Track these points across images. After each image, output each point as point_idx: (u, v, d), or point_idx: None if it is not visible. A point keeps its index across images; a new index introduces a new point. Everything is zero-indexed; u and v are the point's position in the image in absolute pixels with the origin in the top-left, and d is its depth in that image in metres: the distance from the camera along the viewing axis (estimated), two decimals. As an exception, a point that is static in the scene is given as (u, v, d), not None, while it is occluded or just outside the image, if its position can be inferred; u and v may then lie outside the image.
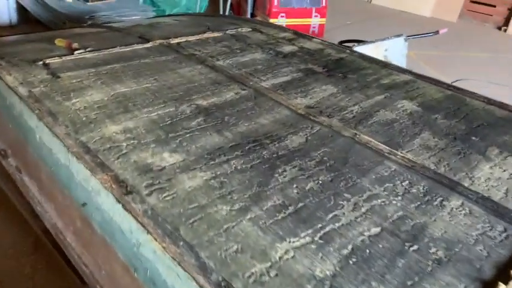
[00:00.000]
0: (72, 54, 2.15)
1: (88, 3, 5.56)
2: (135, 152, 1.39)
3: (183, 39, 2.49)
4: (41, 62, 2.00)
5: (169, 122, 1.60)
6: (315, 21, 5.62)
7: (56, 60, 2.06)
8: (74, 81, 1.86)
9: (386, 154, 1.48)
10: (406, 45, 4.63)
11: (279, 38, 2.70)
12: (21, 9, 5.95)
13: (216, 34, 2.64)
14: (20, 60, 2.04)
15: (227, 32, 2.70)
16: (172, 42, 2.44)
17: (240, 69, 2.15)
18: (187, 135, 1.51)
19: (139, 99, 1.75)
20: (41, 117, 1.55)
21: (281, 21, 5.45)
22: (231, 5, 6.32)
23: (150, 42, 2.39)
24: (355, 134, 1.59)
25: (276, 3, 5.38)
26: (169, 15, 4.09)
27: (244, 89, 1.92)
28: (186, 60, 2.20)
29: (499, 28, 8.24)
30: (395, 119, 1.75)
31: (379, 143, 1.54)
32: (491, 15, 8.35)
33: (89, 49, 2.22)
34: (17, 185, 1.85)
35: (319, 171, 1.36)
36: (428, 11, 8.70)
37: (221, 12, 6.02)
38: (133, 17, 5.24)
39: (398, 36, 4.60)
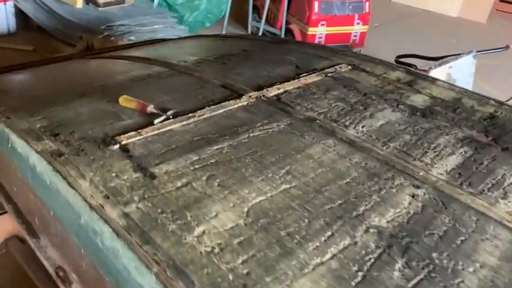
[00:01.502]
0: (152, 123, 1.53)
1: (100, 9, 4.84)
2: None
3: (280, 88, 1.88)
4: (116, 146, 1.38)
5: (361, 275, 1.01)
6: (356, 28, 5.03)
7: (134, 138, 1.44)
8: (179, 183, 1.25)
9: None
10: (475, 62, 4.06)
11: (394, 81, 2.10)
12: (20, 13, 5.19)
13: (314, 78, 2.03)
14: (83, 140, 1.41)
15: (326, 73, 2.08)
16: (269, 95, 1.82)
17: (385, 143, 1.56)
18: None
19: (289, 220, 1.15)
20: (162, 280, 0.94)
21: (321, 30, 4.85)
22: (256, 8, 5.67)
23: (244, 98, 1.77)
24: None
25: (316, 9, 4.76)
26: (205, 36, 3.44)
27: (419, 187, 1.33)
28: (307, 129, 1.59)
29: (531, 30, 7.74)
30: None
31: None
32: (524, 16, 7.87)
33: (170, 112, 1.60)
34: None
35: None
36: (456, 11, 8.15)
37: (250, 18, 5.37)
38: (155, 26, 4.56)
39: (469, 53, 4.02)
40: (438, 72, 3.75)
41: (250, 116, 1.66)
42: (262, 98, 1.79)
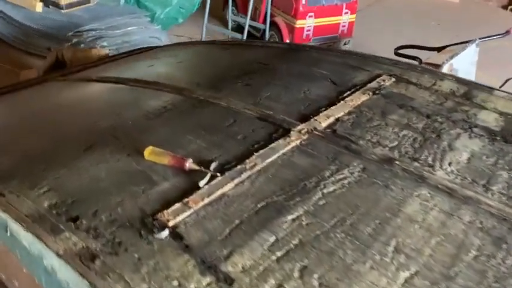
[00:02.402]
0: (196, 185, 1.17)
1: (62, 11, 4.30)
2: None
3: (329, 116, 1.55)
4: (165, 233, 1.01)
5: None
6: (344, 18, 4.73)
7: (183, 214, 1.08)
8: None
9: None
10: (477, 50, 3.85)
11: (449, 95, 1.81)
12: (-32, 20, 4.57)
13: (361, 98, 1.71)
14: (115, 226, 1.04)
15: (372, 90, 1.76)
16: (321, 127, 1.49)
17: (486, 187, 1.27)
18: None
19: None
20: None
21: (309, 22, 4.52)
22: (234, 2, 5.25)
23: (293, 134, 1.43)
24: None
25: (304, 1, 4.41)
26: (198, 43, 3.04)
27: None
28: (388, 175, 1.27)
29: (505, 8, 7.74)
30: None
31: None
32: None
33: (213, 166, 1.24)
34: None
35: None
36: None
37: (229, 12, 4.95)
38: (128, 28, 4.09)
39: (472, 42, 3.81)
40: (447, 65, 3.51)
41: (313, 162, 1.32)
42: (315, 132, 1.46)
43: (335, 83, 1.86)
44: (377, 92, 1.77)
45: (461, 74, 3.45)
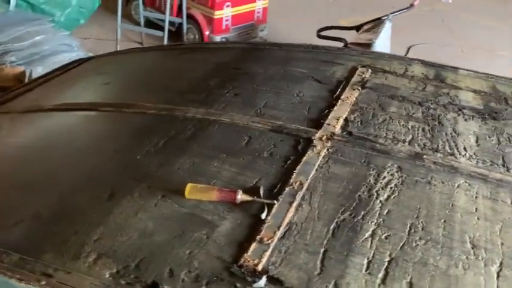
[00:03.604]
0: (257, 218, 1.11)
1: None
2: None
3: (338, 118, 1.56)
4: (261, 282, 0.95)
5: None
6: (259, 5, 4.74)
7: (266, 254, 1.02)
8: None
9: None
10: (391, 25, 4.15)
11: (425, 79, 1.92)
12: None
13: (352, 94, 1.74)
14: (203, 283, 0.94)
15: (358, 85, 1.81)
16: (336, 130, 1.50)
17: (506, 167, 1.38)
18: None
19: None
20: None
21: (227, 12, 4.44)
22: (141, -4, 4.96)
23: (317, 144, 1.41)
24: None
25: (220, -9, 4.31)
26: (142, 50, 2.82)
27: None
28: (424, 171, 1.33)
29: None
30: None
31: None
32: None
33: (262, 192, 1.19)
34: None
35: None
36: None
37: (141, 8, 4.64)
38: (36, 38, 3.67)
39: (387, 17, 4.09)
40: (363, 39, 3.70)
41: (351, 170, 1.32)
42: (336, 137, 1.45)
43: (320, 81, 1.86)
44: (364, 86, 1.81)
45: (379, 49, 3.68)
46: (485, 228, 1.13)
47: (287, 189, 1.21)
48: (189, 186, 1.17)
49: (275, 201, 1.15)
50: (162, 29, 4.64)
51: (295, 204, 1.16)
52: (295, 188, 1.22)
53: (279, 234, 1.07)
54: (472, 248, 1.06)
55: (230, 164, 1.33)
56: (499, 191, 1.26)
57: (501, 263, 1.03)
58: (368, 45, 3.58)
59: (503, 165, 1.38)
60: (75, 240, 1.06)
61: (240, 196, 1.15)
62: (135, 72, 2.19)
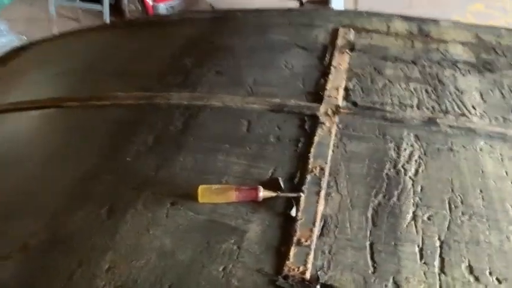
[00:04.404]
0: (286, 215, 0.99)
1: None
2: None
3: (337, 88, 1.44)
4: (317, 290, 0.84)
5: None
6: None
7: (309, 258, 0.91)
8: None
9: None
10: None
11: (410, 35, 1.84)
12: None
13: (343, 59, 1.62)
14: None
15: (346, 48, 1.69)
16: (339, 102, 1.38)
17: (518, 121, 1.33)
18: None
19: None
20: None
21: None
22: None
23: (323, 119, 1.29)
24: None
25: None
26: (91, 30, 2.52)
27: None
28: (442, 137, 1.25)
29: None
30: None
31: None
32: None
33: (283, 184, 1.06)
34: None
35: None
36: None
37: None
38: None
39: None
40: None
41: (369, 145, 1.22)
42: (342, 110, 1.34)
43: (305, 48, 1.72)
44: (353, 48, 1.70)
45: (335, 3, 3.58)
46: (521, 192, 1.07)
47: (308, 177, 1.09)
48: (201, 188, 1.02)
49: (301, 194, 1.03)
50: (100, 1, 4.24)
51: (322, 193, 1.04)
52: (317, 174, 1.10)
53: (316, 231, 0.95)
54: (505, 214, 1.00)
55: (237, 155, 1.18)
56: (522, 150, 1.21)
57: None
58: (325, 1, 3.45)
59: (516, 121, 1.33)
60: (83, 274, 0.89)
61: (262, 193, 1.02)
62: (91, 58, 1.93)
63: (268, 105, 1.37)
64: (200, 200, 1.01)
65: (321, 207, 1.00)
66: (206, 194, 1.02)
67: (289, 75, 1.55)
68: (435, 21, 1.95)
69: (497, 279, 0.87)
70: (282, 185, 1.06)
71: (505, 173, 1.13)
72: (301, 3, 3.47)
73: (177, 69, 1.64)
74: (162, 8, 4.23)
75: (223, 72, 1.58)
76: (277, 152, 1.19)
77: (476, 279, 0.87)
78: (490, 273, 0.88)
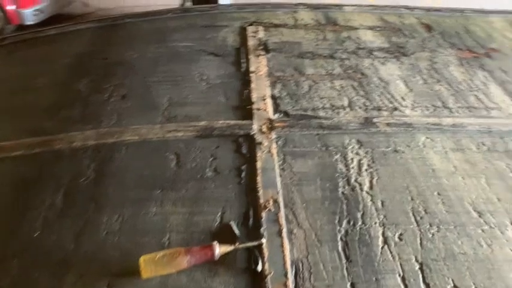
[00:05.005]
0: (255, 271, 0.86)
1: None
2: None
3: (264, 98, 1.33)
4: None
5: None
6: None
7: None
8: None
9: None
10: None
11: (318, 26, 1.77)
12: None
13: (262, 61, 1.51)
14: None
15: (260, 47, 1.57)
16: (273, 116, 1.27)
17: (446, 108, 1.33)
18: None
19: None
20: None
21: None
22: None
23: (259, 138, 1.17)
24: None
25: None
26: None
27: None
28: (393, 139, 1.20)
29: None
30: None
31: None
32: None
33: (237, 231, 0.93)
34: None
35: None
36: None
37: None
38: None
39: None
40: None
41: (315, 162, 1.12)
42: (275, 124, 1.22)
43: (216, 54, 1.56)
44: (267, 49, 1.58)
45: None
46: (474, 187, 1.05)
47: (264, 214, 0.95)
48: (142, 260, 0.83)
49: (262, 241, 0.89)
50: None
51: (284, 232, 0.91)
52: (272, 209, 0.96)
53: (290, 284, 0.82)
54: (480, 217, 0.98)
55: (173, 202, 1.00)
56: (459, 138, 1.20)
57: (511, 222, 0.96)
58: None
59: (445, 106, 1.32)
60: None
61: (218, 250, 0.86)
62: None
63: (194, 130, 1.19)
64: (143, 275, 0.82)
65: (287, 252, 0.88)
66: (150, 266, 0.83)
67: (206, 88, 1.38)
68: (339, 7, 1.90)
69: (481, 292, 0.82)
70: (237, 232, 0.91)
71: (453, 168, 1.10)
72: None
73: (70, 98, 1.37)
74: (29, 15, 3.67)
75: (129, 95, 1.36)
76: (220, 189, 1.03)
77: (462, 297, 0.81)
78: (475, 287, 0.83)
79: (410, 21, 1.83)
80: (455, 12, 1.93)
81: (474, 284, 0.84)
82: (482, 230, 0.95)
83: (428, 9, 1.94)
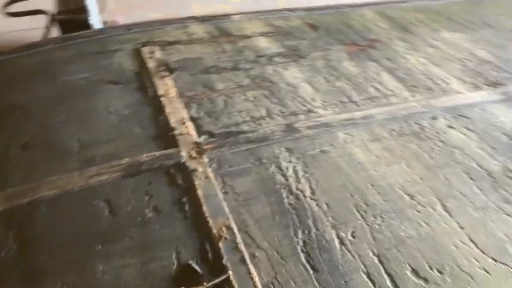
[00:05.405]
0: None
1: None
2: None
3: (184, 122, 1.30)
4: None
5: None
6: None
7: None
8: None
9: None
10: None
11: (213, 38, 1.77)
12: None
13: (169, 83, 1.47)
14: None
15: (162, 67, 1.53)
16: (198, 138, 1.25)
17: (369, 100, 1.44)
18: None
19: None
20: None
21: None
22: None
23: (192, 165, 1.15)
24: None
25: None
26: None
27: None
28: (317, 140, 1.25)
29: None
30: None
31: None
32: None
33: (200, 274, 0.91)
34: None
35: None
36: None
37: None
38: None
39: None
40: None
41: (253, 178, 1.12)
42: (204, 147, 1.20)
43: (117, 82, 1.47)
44: (169, 69, 1.53)
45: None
46: (398, 172, 1.15)
47: (221, 245, 0.93)
48: None
49: (229, 273, 0.87)
50: None
51: (247, 257, 0.90)
52: (227, 236, 0.94)
53: (270, 312, 0.81)
54: (412, 199, 1.07)
55: (120, 254, 0.92)
56: (372, 129, 1.30)
57: (439, 199, 1.07)
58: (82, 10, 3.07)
59: (351, 101, 1.42)
60: None
61: (189, 294, 0.81)
62: None
63: (118, 170, 1.11)
64: None
65: (256, 278, 0.86)
66: None
67: (118, 121, 1.29)
68: (227, 17, 1.92)
69: (438, 270, 0.91)
70: (200, 270, 0.87)
71: (376, 158, 1.19)
72: (54, 17, 2.95)
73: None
74: None
75: (32, 144, 1.21)
76: (167, 228, 0.97)
77: (425, 280, 0.89)
78: (430, 268, 0.91)
79: (296, 23, 1.92)
80: (332, 9, 2.07)
81: (427, 263, 0.92)
82: (418, 211, 1.04)
83: (307, 9, 2.06)
